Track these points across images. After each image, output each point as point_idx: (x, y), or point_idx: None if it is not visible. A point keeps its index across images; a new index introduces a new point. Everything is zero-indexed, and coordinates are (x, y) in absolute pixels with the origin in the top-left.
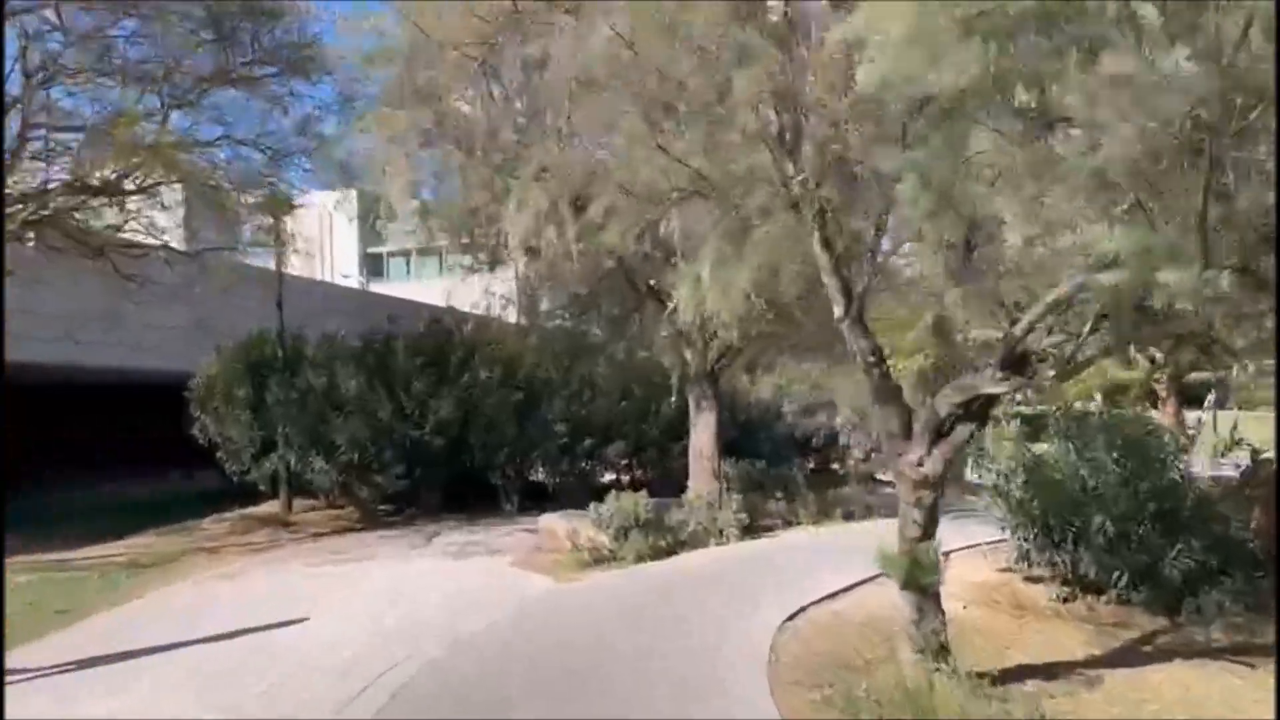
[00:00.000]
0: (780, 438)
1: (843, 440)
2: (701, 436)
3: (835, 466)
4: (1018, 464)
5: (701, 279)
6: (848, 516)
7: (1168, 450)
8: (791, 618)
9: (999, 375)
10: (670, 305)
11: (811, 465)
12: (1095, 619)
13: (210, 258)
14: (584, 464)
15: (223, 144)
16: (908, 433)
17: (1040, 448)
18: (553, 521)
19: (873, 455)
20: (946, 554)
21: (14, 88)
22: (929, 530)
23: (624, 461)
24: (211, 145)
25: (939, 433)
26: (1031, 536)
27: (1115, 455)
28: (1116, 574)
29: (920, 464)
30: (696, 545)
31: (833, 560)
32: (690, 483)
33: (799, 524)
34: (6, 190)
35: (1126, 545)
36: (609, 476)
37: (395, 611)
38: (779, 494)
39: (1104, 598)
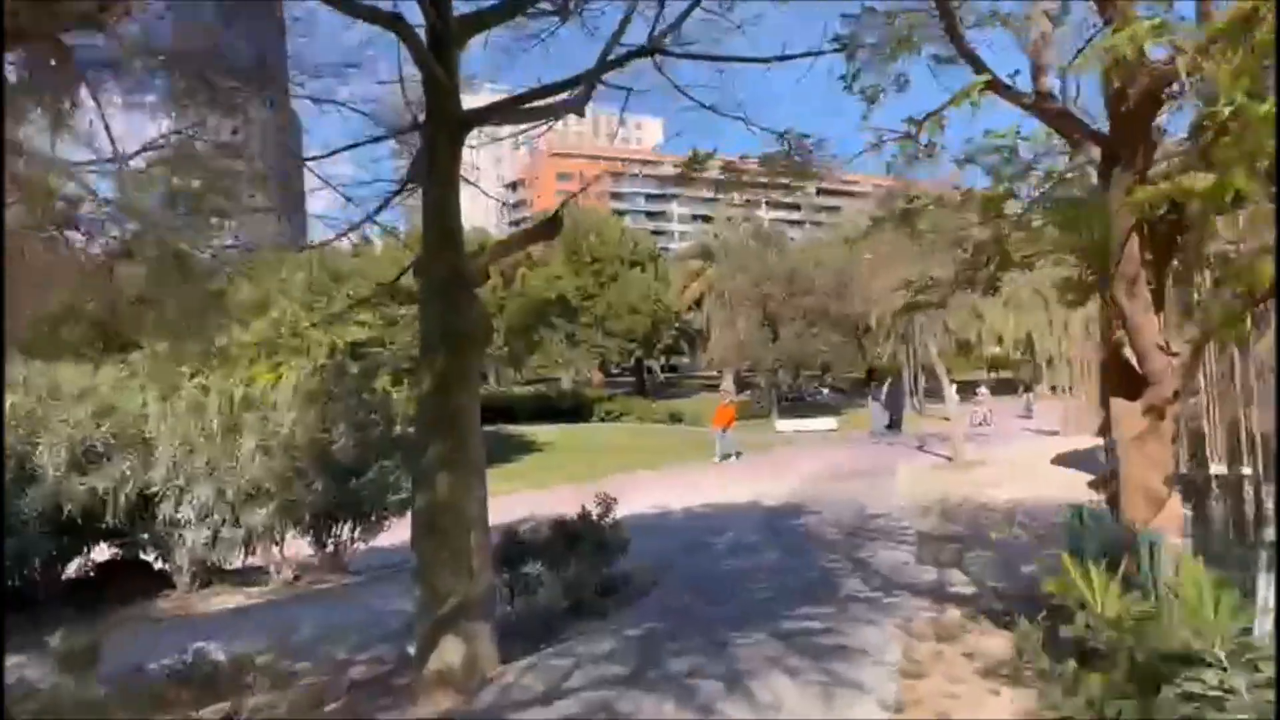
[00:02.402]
0: (35, 520)
1: (166, 510)
2: None
3: (152, 558)
4: None
5: None
6: None
7: None
8: None
9: None
10: None
11: (102, 561)
12: None
13: None
14: None
15: None
16: None
17: None
18: None
19: (224, 529)
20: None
21: None
22: None
23: None
24: None
25: None
26: None
27: None
28: None
29: None
30: None
31: None
32: None
33: None
34: None
35: None
36: None
37: None
38: None
39: None
